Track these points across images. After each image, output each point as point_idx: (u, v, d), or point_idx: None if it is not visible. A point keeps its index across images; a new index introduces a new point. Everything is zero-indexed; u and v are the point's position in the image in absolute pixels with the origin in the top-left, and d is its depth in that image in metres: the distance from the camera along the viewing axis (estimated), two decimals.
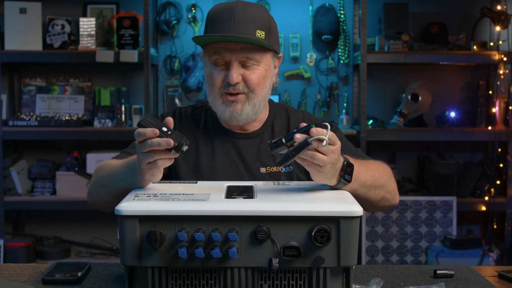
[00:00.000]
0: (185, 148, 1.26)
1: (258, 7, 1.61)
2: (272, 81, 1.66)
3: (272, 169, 1.64)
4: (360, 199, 1.44)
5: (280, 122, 1.73)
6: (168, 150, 1.26)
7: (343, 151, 1.54)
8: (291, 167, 1.66)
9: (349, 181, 1.36)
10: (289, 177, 1.66)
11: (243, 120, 1.62)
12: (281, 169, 1.64)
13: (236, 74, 1.55)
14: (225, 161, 1.65)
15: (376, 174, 1.54)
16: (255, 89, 1.58)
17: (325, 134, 1.23)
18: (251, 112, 1.61)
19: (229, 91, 1.58)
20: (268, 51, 1.60)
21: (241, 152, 1.66)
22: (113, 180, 1.49)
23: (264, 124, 1.71)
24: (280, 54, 1.68)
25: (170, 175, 1.66)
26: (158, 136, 1.25)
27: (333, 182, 1.34)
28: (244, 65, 1.57)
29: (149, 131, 1.26)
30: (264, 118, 1.71)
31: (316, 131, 1.23)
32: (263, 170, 1.64)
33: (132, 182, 1.39)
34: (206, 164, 1.64)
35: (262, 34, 1.56)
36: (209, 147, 1.67)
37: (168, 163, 1.30)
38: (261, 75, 1.59)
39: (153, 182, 1.38)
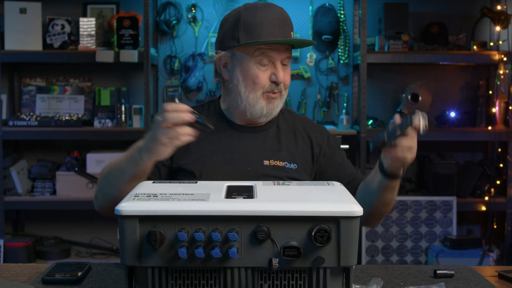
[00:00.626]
0: (211, 127, 1.42)
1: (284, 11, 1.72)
2: None
3: (276, 163, 1.69)
4: (380, 200, 1.60)
5: (285, 122, 1.79)
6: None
7: (337, 161, 1.77)
8: (295, 164, 1.70)
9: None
10: (292, 173, 1.69)
11: (272, 116, 1.71)
12: (285, 163, 1.69)
13: (283, 74, 1.66)
14: (229, 151, 1.69)
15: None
16: (287, 87, 1.70)
17: (420, 123, 1.43)
18: (279, 109, 1.71)
19: (272, 89, 1.66)
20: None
21: (246, 144, 1.71)
22: (119, 171, 1.52)
23: (270, 121, 1.76)
24: None
25: (172, 165, 1.69)
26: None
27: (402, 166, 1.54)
28: (283, 64, 1.67)
29: (183, 106, 1.39)
30: None
31: (417, 121, 1.43)
32: (266, 162, 1.68)
33: (137, 165, 1.46)
34: (209, 154, 1.68)
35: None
36: (214, 138, 1.71)
37: (189, 139, 1.40)
38: (290, 73, 1.71)
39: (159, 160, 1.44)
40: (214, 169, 1.65)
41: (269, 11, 1.65)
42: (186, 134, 1.39)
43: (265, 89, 1.65)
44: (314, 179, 1.75)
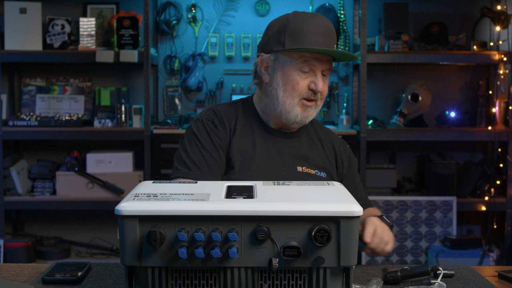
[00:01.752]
0: None
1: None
2: None
3: (308, 170, 1.74)
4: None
5: (314, 131, 1.84)
6: None
7: (353, 182, 1.84)
8: (324, 173, 1.76)
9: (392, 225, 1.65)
10: (321, 180, 1.73)
11: (305, 123, 1.75)
12: (316, 171, 1.75)
13: (323, 83, 1.69)
14: (266, 153, 1.73)
15: None
16: (324, 98, 1.73)
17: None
18: (313, 117, 1.75)
19: (310, 97, 1.69)
20: None
21: (281, 149, 1.75)
22: None
23: (301, 128, 1.81)
24: None
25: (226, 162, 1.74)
26: None
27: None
28: (322, 74, 1.70)
29: None
30: None
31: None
32: (299, 169, 1.73)
33: None
34: (248, 152, 1.72)
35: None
36: (250, 138, 1.74)
37: None
38: (328, 84, 1.75)
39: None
40: (253, 169, 1.69)
41: (316, 21, 1.68)
42: None
43: (302, 96, 1.69)
44: None
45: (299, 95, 1.68)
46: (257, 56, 1.77)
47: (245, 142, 1.73)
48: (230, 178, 1.67)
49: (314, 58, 1.66)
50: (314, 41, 1.65)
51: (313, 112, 1.72)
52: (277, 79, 1.70)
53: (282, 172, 1.70)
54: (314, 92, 1.68)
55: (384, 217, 1.64)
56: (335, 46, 1.70)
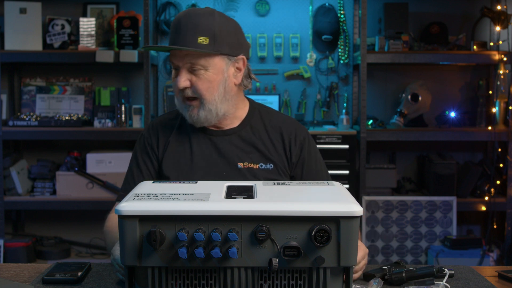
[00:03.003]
0: None
1: (204, 15, 1.65)
2: (228, 84, 1.69)
3: (250, 165, 1.70)
4: None
5: (261, 121, 1.77)
6: None
7: (313, 168, 1.74)
8: (271, 164, 1.70)
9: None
10: (269, 173, 1.70)
11: (201, 123, 1.70)
12: (259, 165, 1.70)
13: (183, 79, 1.64)
14: (203, 157, 1.71)
15: None
16: (203, 95, 1.65)
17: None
18: (209, 115, 1.68)
19: (183, 96, 1.68)
20: (215, 55, 1.65)
21: (219, 148, 1.72)
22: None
23: (242, 122, 1.76)
24: (241, 56, 1.70)
25: (158, 174, 1.76)
26: None
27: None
28: (192, 70, 1.65)
29: None
30: (243, 116, 1.77)
31: None
32: (240, 165, 1.69)
33: None
34: (184, 161, 1.71)
35: (206, 40, 1.62)
36: (186, 145, 1.73)
37: None
38: (208, 80, 1.65)
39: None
40: (189, 175, 1.68)
41: (178, 17, 1.66)
42: None
43: (181, 96, 1.68)
44: None
45: (177, 93, 1.68)
46: None
47: (181, 151, 1.72)
48: None
49: (173, 55, 1.65)
50: (170, 38, 1.66)
51: (199, 112, 1.66)
52: None
53: (222, 172, 1.68)
54: (182, 90, 1.66)
55: None
56: (199, 39, 1.61)
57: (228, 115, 1.72)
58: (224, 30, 1.65)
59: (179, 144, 1.74)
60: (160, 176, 1.73)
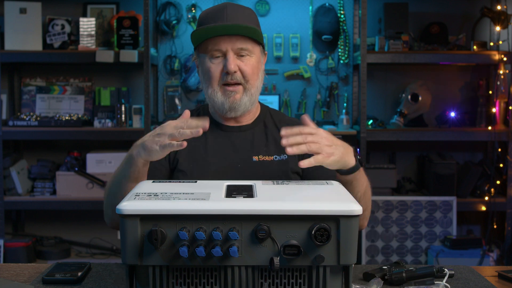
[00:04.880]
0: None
1: (247, 9, 1.71)
2: (262, 74, 1.75)
3: (265, 158, 1.71)
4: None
5: (272, 121, 1.80)
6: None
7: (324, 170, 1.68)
8: (285, 155, 1.71)
9: (362, 163, 1.56)
10: (283, 164, 1.71)
11: (241, 111, 1.70)
12: (274, 157, 1.71)
13: (233, 63, 1.64)
14: (218, 151, 1.72)
15: (367, 190, 1.70)
16: (250, 79, 1.67)
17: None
18: (248, 103, 1.70)
19: (227, 81, 1.66)
20: (258, 44, 1.70)
21: (234, 143, 1.73)
22: (119, 176, 1.56)
23: (257, 119, 1.79)
24: (266, 52, 1.79)
25: (170, 165, 1.74)
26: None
27: (352, 160, 1.51)
28: (239, 55, 1.66)
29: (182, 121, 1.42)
30: (257, 113, 1.80)
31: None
32: (255, 158, 1.71)
33: (132, 164, 1.50)
34: (199, 156, 1.71)
35: (253, 27, 1.65)
36: (202, 140, 1.73)
37: (179, 148, 1.41)
38: (254, 65, 1.68)
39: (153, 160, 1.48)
40: (205, 169, 1.68)
41: (216, 7, 1.68)
42: (178, 145, 1.40)
43: (220, 82, 1.67)
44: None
45: (216, 81, 1.66)
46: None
47: (196, 146, 1.72)
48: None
49: (218, 41, 1.64)
50: (210, 22, 1.64)
51: (242, 97, 1.68)
52: (201, 75, 1.72)
53: (237, 165, 1.69)
54: (229, 73, 1.64)
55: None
56: (244, 23, 1.64)
57: (251, 109, 1.74)
58: (259, 24, 1.73)
59: (195, 139, 1.72)
60: (175, 170, 1.72)
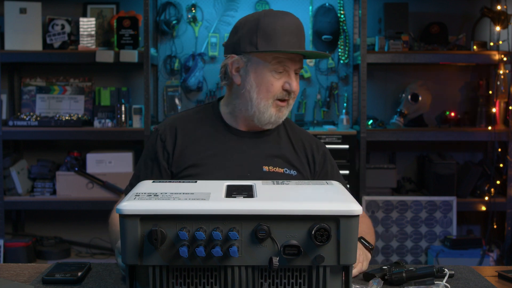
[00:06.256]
0: None
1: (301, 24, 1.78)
2: None
3: (276, 169, 1.70)
4: None
5: (285, 130, 1.81)
6: None
7: (338, 179, 1.77)
8: (295, 171, 1.71)
9: (372, 248, 1.61)
10: (290, 178, 1.70)
11: (278, 124, 1.74)
12: (284, 170, 1.70)
13: (297, 83, 1.69)
14: (226, 156, 1.69)
15: (371, 237, 1.72)
16: (296, 96, 1.72)
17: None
18: (286, 116, 1.74)
19: (283, 98, 1.68)
20: None
21: (245, 150, 1.71)
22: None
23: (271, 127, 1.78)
24: None
25: (172, 169, 1.71)
26: None
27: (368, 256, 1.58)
28: (295, 73, 1.70)
29: None
30: None
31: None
32: (266, 168, 1.69)
33: None
34: (206, 159, 1.69)
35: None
36: (212, 143, 1.71)
37: None
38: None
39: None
40: (210, 174, 1.65)
41: (287, 20, 1.69)
42: None
43: (276, 97, 1.67)
44: None
45: (273, 96, 1.66)
46: (225, 57, 1.73)
47: (202, 149, 1.69)
48: None
49: (287, 58, 1.65)
50: (286, 41, 1.64)
51: (286, 112, 1.71)
52: (250, 81, 1.67)
53: (246, 173, 1.67)
54: (288, 92, 1.67)
55: (363, 240, 1.59)
56: (304, 43, 1.72)
57: None
58: None
59: (202, 141, 1.72)
60: (181, 173, 1.69)
